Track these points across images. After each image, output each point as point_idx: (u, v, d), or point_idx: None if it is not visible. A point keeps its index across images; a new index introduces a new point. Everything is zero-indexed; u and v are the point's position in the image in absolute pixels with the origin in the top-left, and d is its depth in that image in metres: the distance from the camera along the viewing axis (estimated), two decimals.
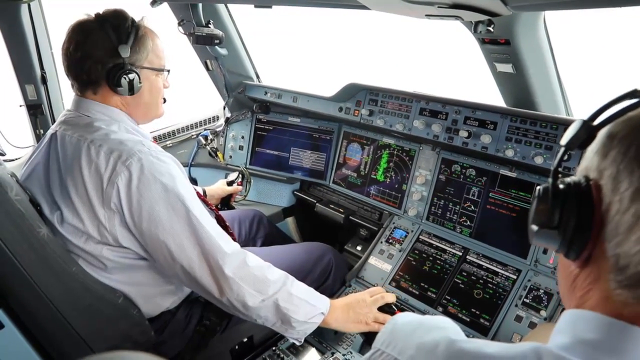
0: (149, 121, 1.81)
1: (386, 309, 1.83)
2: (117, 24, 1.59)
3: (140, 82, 1.63)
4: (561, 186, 0.67)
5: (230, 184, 2.74)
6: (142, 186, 1.48)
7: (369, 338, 1.84)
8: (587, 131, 0.70)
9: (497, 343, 0.71)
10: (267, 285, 1.60)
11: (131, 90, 1.61)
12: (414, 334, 0.80)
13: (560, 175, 0.70)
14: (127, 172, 1.47)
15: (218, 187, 2.72)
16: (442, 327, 0.81)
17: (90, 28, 1.58)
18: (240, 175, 2.84)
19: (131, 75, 1.60)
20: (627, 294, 0.61)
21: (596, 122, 0.69)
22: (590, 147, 0.69)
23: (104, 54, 1.57)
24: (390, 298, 1.86)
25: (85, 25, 1.60)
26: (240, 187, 2.80)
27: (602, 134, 0.67)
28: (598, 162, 0.65)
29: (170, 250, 1.52)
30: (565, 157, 0.77)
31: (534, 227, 0.69)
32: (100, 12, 1.62)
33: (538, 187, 0.71)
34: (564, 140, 0.73)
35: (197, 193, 1.94)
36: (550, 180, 0.69)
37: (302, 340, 1.74)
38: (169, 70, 1.76)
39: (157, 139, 3.12)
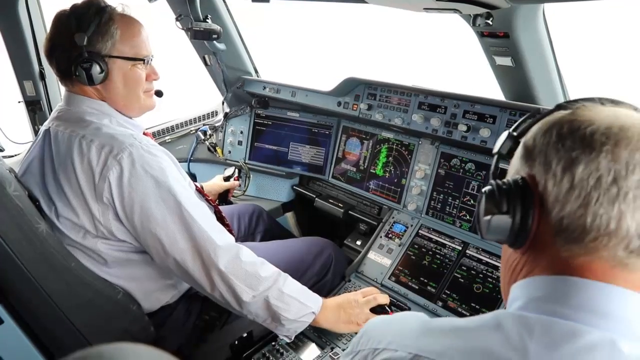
0: (136, 114, 1.75)
1: (379, 310, 1.81)
2: (81, 12, 1.56)
3: (101, 72, 1.57)
4: (504, 186, 0.80)
5: (227, 179, 2.74)
6: (134, 180, 1.48)
7: None
8: (512, 140, 0.87)
9: (466, 318, 0.81)
10: (258, 282, 1.59)
11: (90, 80, 1.56)
12: (389, 326, 0.89)
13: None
14: (119, 167, 1.47)
15: (214, 182, 2.71)
16: (416, 314, 0.90)
17: (59, 19, 1.58)
18: (237, 170, 2.83)
19: (88, 64, 1.54)
20: (574, 247, 0.72)
21: (517, 133, 0.87)
22: (515, 156, 0.84)
23: (67, 43, 1.55)
24: (383, 300, 1.85)
25: (58, 16, 1.59)
26: (237, 182, 2.79)
27: (522, 142, 0.82)
28: (524, 162, 0.80)
29: (162, 244, 1.52)
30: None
31: (487, 217, 0.80)
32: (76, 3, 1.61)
33: (483, 189, 0.83)
34: (495, 149, 0.90)
35: (196, 187, 1.94)
36: (492, 181, 0.82)
37: (292, 338, 1.74)
38: (143, 60, 1.66)
39: (156, 135, 3.11)
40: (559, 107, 0.83)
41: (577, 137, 0.73)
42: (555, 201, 0.73)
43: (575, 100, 0.83)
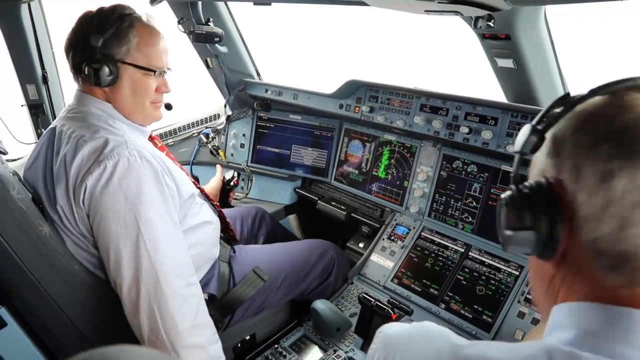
0: (139, 122, 1.72)
1: (380, 312, 1.76)
2: (104, 15, 1.59)
3: (109, 74, 1.57)
4: (525, 190, 0.69)
5: (227, 183, 2.71)
6: (105, 190, 1.45)
7: (366, 340, 1.82)
8: (538, 135, 0.70)
9: (501, 344, 0.70)
10: (180, 343, 1.47)
11: (97, 80, 1.56)
12: (413, 344, 0.78)
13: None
14: (99, 173, 1.45)
15: (212, 182, 2.67)
16: (441, 331, 0.79)
17: (84, 17, 1.61)
18: (236, 174, 2.81)
19: (98, 65, 1.55)
20: (618, 277, 0.63)
21: (542, 126, 0.70)
22: (539, 152, 0.71)
23: (84, 41, 1.57)
24: None
25: (83, 15, 1.63)
26: (235, 178, 2.72)
27: (549, 137, 0.70)
28: (552, 162, 0.68)
29: (109, 261, 1.49)
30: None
31: (508, 232, 0.70)
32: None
33: (503, 195, 0.72)
34: (516, 146, 0.73)
35: (201, 189, 1.94)
36: (512, 186, 0.71)
37: None
38: (154, 71, 1.65)
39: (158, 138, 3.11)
40: (593, 92, 0.69)
41: (617, 140, 0.61)
42: (587, 218, 0.63)
43: (616, 82, 0.68)
